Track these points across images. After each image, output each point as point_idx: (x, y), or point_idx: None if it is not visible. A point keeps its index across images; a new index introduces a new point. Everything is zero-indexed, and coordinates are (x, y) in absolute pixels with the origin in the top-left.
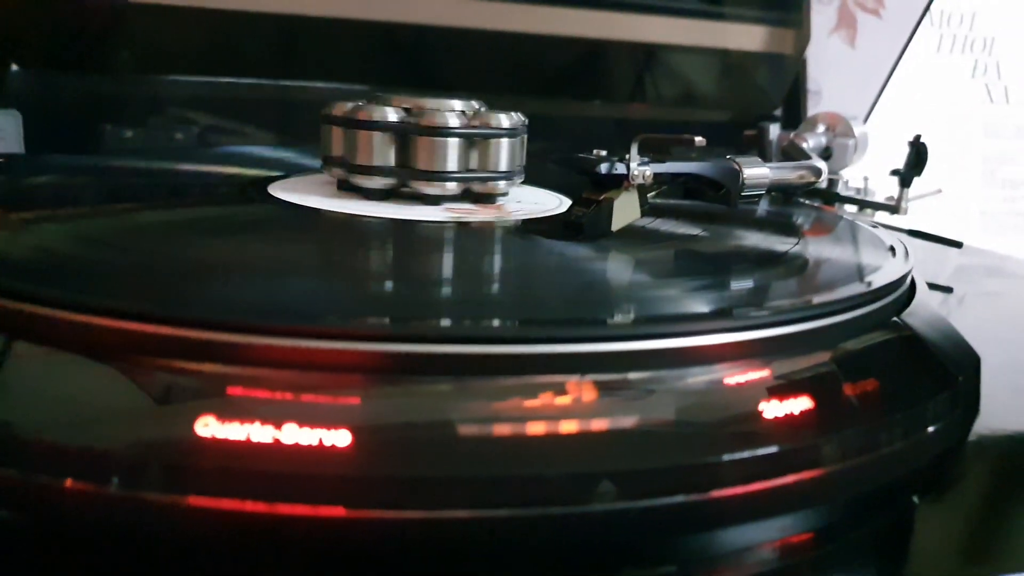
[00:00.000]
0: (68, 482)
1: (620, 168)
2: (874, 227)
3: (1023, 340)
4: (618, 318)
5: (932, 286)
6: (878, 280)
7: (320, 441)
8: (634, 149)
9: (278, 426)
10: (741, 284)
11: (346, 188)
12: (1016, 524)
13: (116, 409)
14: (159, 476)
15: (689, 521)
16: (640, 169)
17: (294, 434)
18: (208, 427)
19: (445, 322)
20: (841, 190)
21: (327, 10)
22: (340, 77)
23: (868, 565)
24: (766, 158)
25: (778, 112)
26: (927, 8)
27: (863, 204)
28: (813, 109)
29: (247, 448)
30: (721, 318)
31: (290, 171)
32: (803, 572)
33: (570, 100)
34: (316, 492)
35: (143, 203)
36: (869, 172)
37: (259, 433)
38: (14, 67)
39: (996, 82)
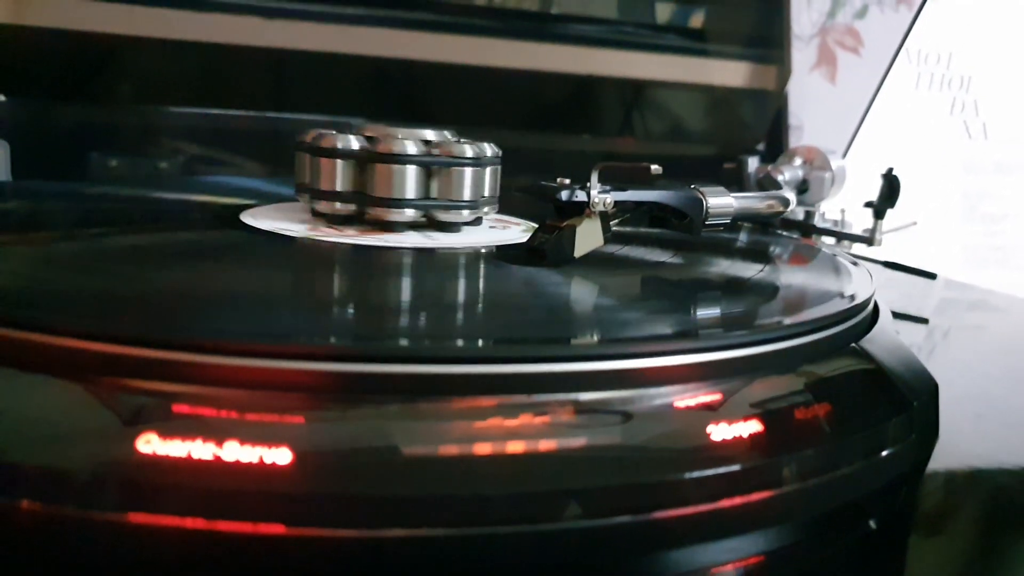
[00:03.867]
0: (7, 499)
1: (581, 195)
2: (854, 263)
3: (999, 372)
4: (569, 339)
5: (905, 316)
6: (836, 307)
7: (261, 459)
8: (594, 177)
9: (219, 443)
10: (699, 308)
11: (317, 215)
12: (974, 550)
13: (58, 426)
14: (100, 492)
15: (638, 541)
16: (600, 196)
17: (235, 452)
18: (150, 444)
19: (388, 342)
20: (818, 222)
21: (318, 45)
22: (330, 110)
23: None
24: (744, 190)
25: (761, 146)
26: (901, 45)
27: (839, 236)
28: (795, 143)
29: (188, 465)
30: (675, 340)
31: (268, 200)
32: None
33: (558, 135)
34: (256, 509)
35: (106, 228)
36: (847, 205)
37: (200, 450)
38: (2, 97)
39: (974, 119)
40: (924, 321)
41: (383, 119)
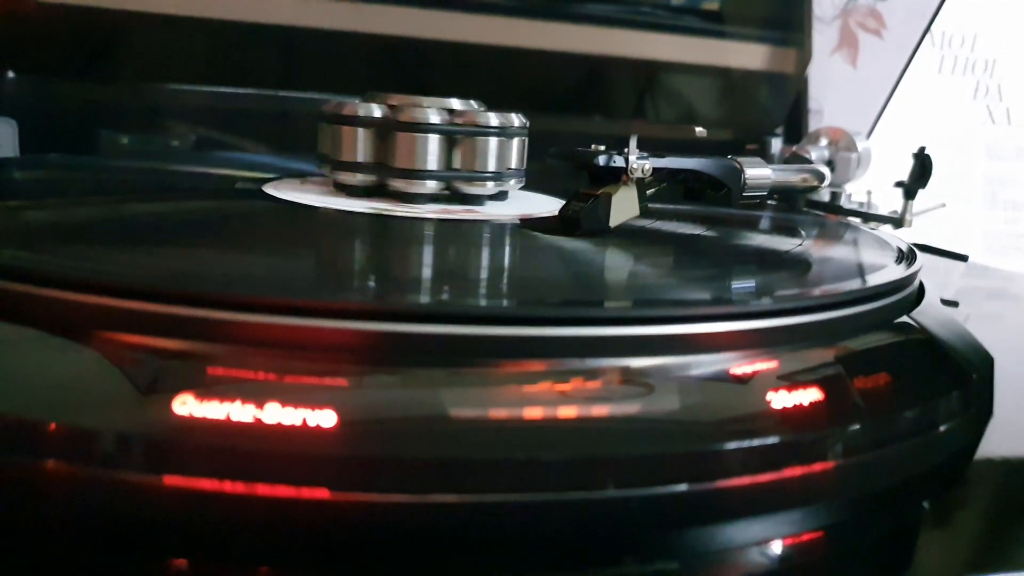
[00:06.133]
0: (44, 462)
1: (618, 161)
2: (894, 240)
3: None
4: (615, 303)
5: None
6: (889, 276)
7: (304, 421)
8: (633, 142)
9: (260, 405)
10: (751, 277)
11: (358, 193)
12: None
13: (93, 387)
14: (136, 455)
15: (690, 511)
16: (639, 163)
17: (277, 414)
18: (186, 405)
19: (433, 304)
20: (844, 204)
21: (327, 22)
22: (340, 89)
23: (876, 567)
24: None
25: (779, 131)
26: (928, 29)
27: (867, 217)
28: (814, 128)
29: (227, 427)
30: (733, 305)
31: (286, 175)
32: (810, 571)
33: (570, 116)
34: (299, 473)
35: (130, 195)
36: (872, 188)
37: (239, 412)
38: (11, 74)
39: (998, 103)
40: (955, 304)
41: None
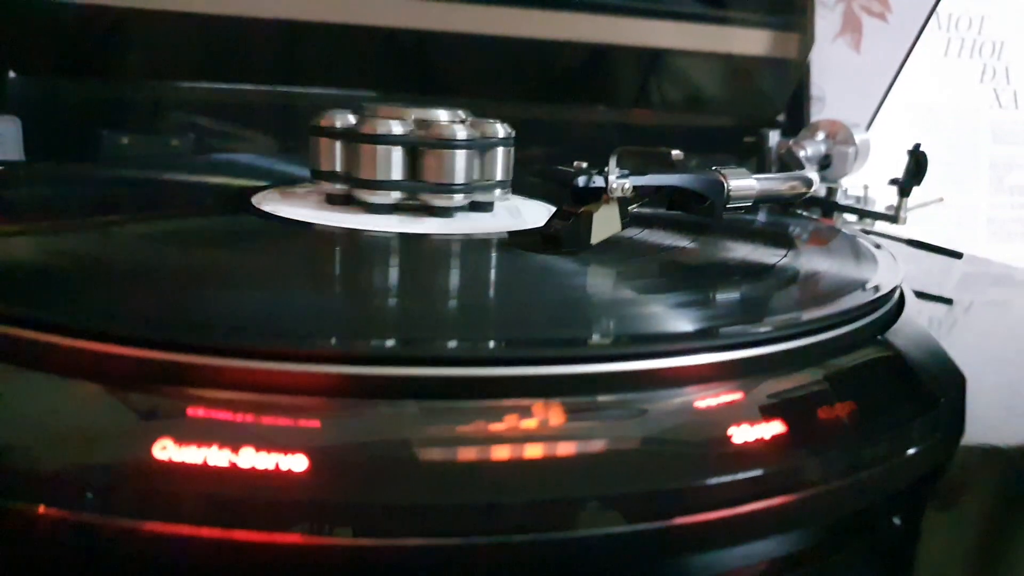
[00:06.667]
0: (17, 505)
1: (599, 181)
2: (877, 247)
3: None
4: (588, 339)
5: (929, 296)
6: (860, 298)
7: (276, 466)
8: (613, 162)
9: (235, 450)
10: (717, 302)
11: (338, 202)
12: (1000, 544)
13: (71, 431)
14: (116, 500)
15: (661, 547)
16: (619, 182)
17: (251, 458)
18: (165, 450)
19: (406, 344)
20: (840, 199)
21: (328, 15)
22: (342, 83)
23: None
24: (764, 165)
25: (781, 118)
26: (932, 10)
27: (862, 214)
28: (816, 115)
29: (204, 472)
30: (693, 339)
31: (281, 179)
32: None
33: (573, 105)
34: (272, 518)
35: (120, 215)
36: (871, 180)
37: (216, 457)
38: (13, 74)
39: (1005, 87)
40: (948, 302)
41: (396, 91)
